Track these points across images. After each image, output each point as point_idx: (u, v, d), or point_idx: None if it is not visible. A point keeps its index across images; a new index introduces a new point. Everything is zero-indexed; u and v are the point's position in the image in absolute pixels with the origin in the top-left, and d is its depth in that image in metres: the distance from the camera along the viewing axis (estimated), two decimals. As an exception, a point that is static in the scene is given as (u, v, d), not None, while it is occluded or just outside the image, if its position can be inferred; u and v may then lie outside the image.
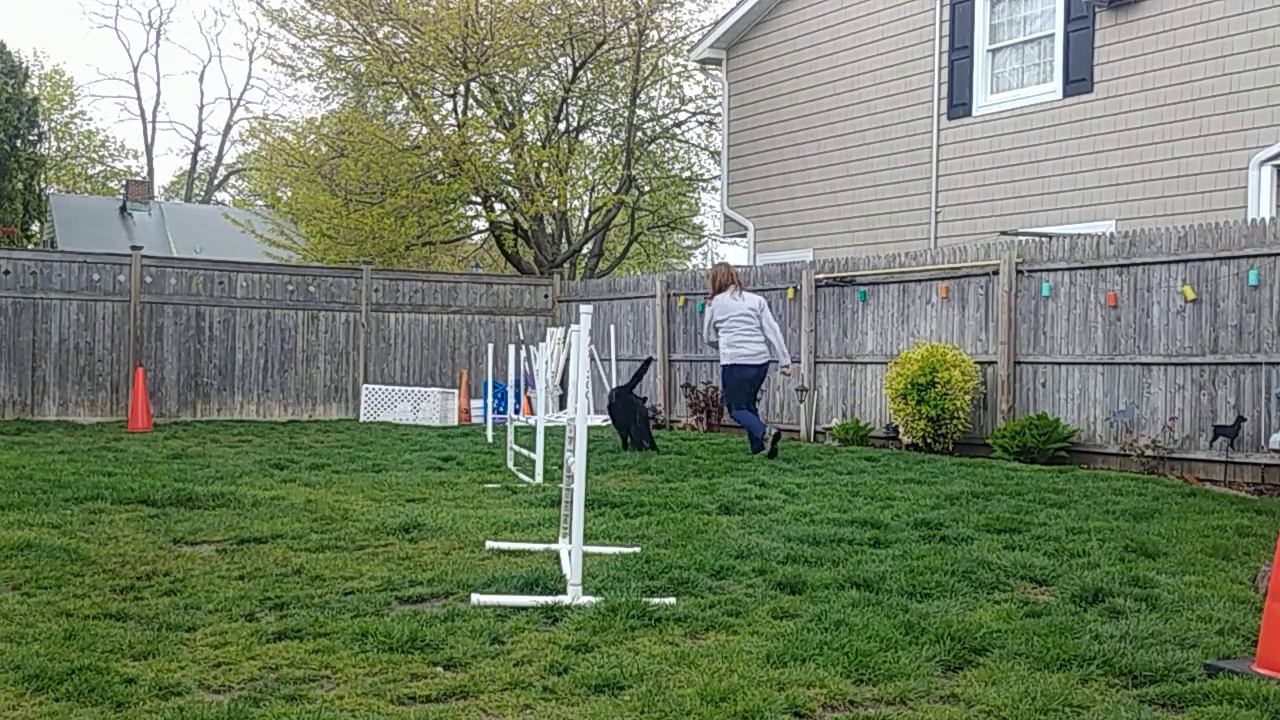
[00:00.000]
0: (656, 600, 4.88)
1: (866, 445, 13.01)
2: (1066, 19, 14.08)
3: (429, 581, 5.31)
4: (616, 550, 6.04)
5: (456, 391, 17.24)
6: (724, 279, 11.84)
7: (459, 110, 22.61)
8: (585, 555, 5.21)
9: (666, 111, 25.35)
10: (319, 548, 6.11)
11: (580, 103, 24.00)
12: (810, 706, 3.65)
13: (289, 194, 24.41)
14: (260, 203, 35.89)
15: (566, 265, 23.86)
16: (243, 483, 8.62)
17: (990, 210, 14.90)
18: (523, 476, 9.49)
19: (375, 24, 20.86)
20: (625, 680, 3.83)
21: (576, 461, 5.07)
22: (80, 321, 15.52)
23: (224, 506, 7.41)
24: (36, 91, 37.40)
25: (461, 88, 22.01)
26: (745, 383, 11.71)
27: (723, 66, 19.29)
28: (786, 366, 11.92)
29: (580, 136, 24.98)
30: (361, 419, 16.84)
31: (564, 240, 24.26)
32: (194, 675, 3.87)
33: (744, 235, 19.06)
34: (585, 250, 25.09)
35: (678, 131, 25.73)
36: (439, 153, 21.08)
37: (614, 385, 17.10)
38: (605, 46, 22.34)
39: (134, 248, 16.36)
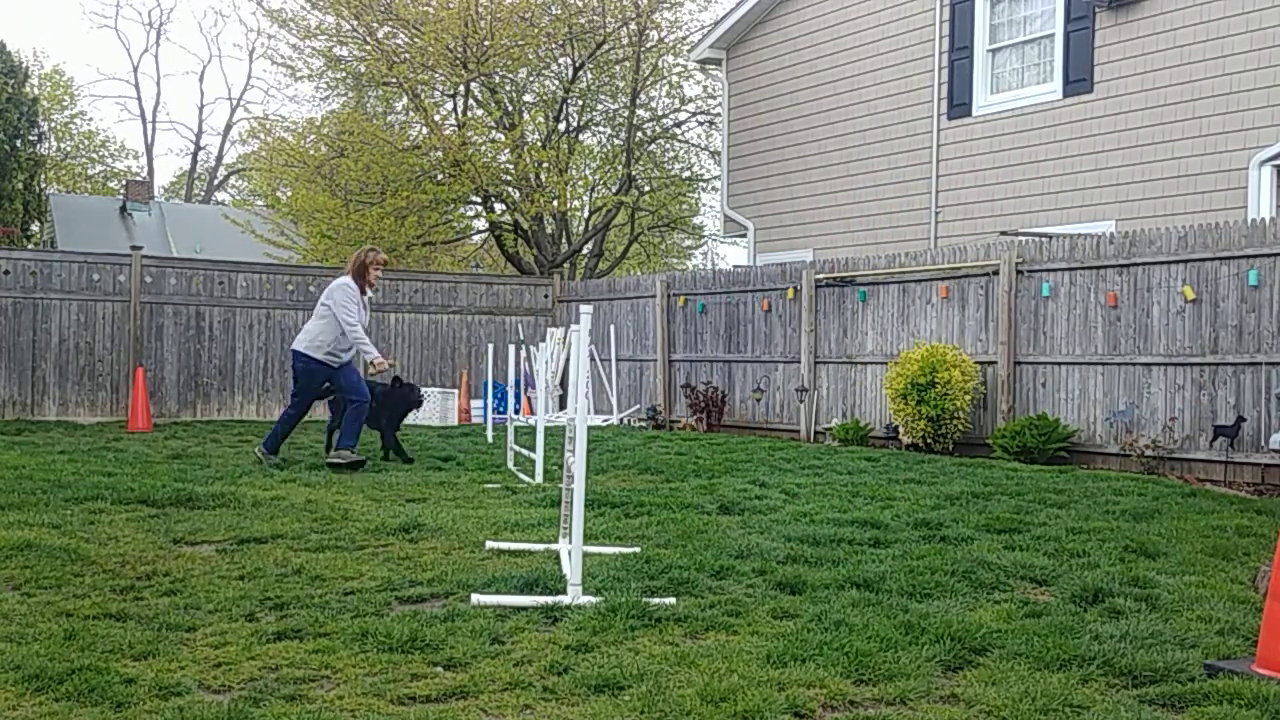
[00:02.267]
0: (656, 600, 4.88)
1: (866, 445, 13.01)
2: (1066, 19, 14.08)
3: (429, 581, 5.31)
4: (616, 550, 6.04)
5: (456, 391, 17.24)
6: (361, 266, 10.44)
7: (459, 110, 22.61)
8: (585, 555, 5.21)
9: (666, 111, 25.36)
10: (319, 548, 6.11)
11: (580, 103, 24.00)
12: (810, 706, 3.65)
13: (289, 194, 24.40)
14: (260, 203, 35.89)
15: (566, 265, 23.86)
16: (243, 483, 8.61)
17: (990, 210, 14.90)
18: (523, 476, 9.49)
19: (375, 24, 20.86)
20: (625, 680, 3.83)
21: (576, 461, 5.07)
22: (80, 321, 15.52)
23: (224, 506, 7.41)
24: (36, 91, 37.39)
25: (461, 88, 22.02)
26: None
27: (723, 66, 19.29)
28: (377, 362, 10.38)
29: (580, 136, 24.98)
30: (361, 419, 16.81)
31: (564, 240, 24.26)
32: (194, 675, 3.87)
33: (744, 235, 19.06)
34: (585, 250, 25.09)
35: (678, 131, 25.74)
36: (439, 153, 21.08)
37: (614, 390, 17.08)
38: (605, 46, 22.34)
39: (134, 248, 16.36)
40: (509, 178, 21.89)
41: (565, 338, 8.30)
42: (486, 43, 20.37)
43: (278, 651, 4.14)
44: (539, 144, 22.65)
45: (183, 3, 71.24)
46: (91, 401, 15.56)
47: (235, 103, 68.89)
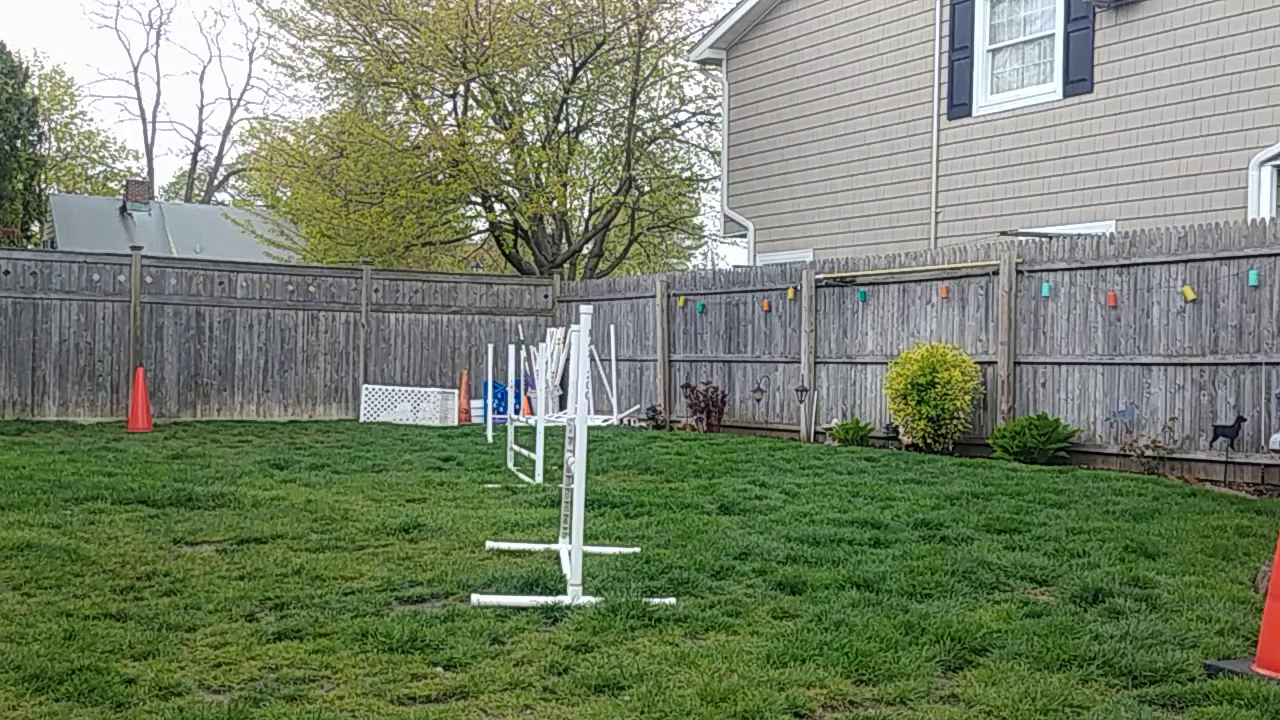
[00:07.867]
0: (656, 600, 4.88)
1: (866, 445, 13.01)
2: (1066, 19, 14.07)
3: (429, 581, 5.31)
4: (616, 550, 6.04)
5: (456, 392, 17.24)
6: None
7: (458, 110, 22.62)
8: (585, 555, 5.21)
9: (666, 112, 25.35)
10: (319, 548, 6.11)
11: (580, 103, 23.99)
12: (810, 706, 3.65)
13: (289, 194, 24.40)
14: (260, 203, 35.86)
15: (566, 265, 23.86)
16: (243, 483, 8.61)
17: (990, 210, 14.89)
18: (523, 476, 9.49)
19: (375, 24, 20.86)
20: (625, 680, 3.83)
21: (576, 461, 5.07)
22: (80, 321, 15.52)
23: (224, 506, 7.41)
24: (36, 91, 37.37)
25: (461, 88, 22.02)
26: None
27: (723, 66, 19.28)
28: None
29: (580, 137, 24.97)
30: (361, 419, 16.84)
31: (564, 240, 24.27)
32: (194, 675, 3.87)
33: (744, 235, 19.06)
34: (585, 250, 25.08)
35: (678, 132, 25.74)
36: (438, 153, 21.08)
37: (614, 390, 17.09)
38: (605, 47, 22.34)
39: (134, 248, 16.36)
40: (508, 178, 21.89)
41: (565, 338, 8.30)
42: (485, 43, 20.37)
43: (278, 651, 4.14)
44: (539, 144, 22.65)
45: (183, 3, 71.13)
46: (91, 401, 15.56)
47: (235, 103, 68.87)
